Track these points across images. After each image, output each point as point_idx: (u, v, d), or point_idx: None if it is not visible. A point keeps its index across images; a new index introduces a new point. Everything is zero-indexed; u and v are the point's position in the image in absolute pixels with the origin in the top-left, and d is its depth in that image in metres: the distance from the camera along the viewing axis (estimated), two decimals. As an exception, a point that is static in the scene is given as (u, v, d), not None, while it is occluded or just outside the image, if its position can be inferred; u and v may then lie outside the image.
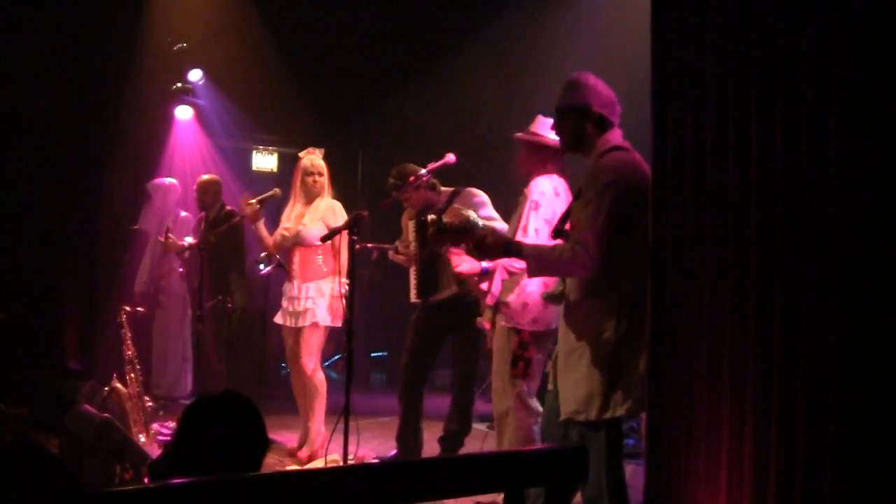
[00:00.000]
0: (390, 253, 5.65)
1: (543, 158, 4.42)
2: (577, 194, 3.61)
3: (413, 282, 5.41)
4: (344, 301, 5.28)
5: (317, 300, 5.49)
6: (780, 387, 2.74)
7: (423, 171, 5.00)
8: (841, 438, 2.58)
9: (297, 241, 5.57)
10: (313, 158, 5.63)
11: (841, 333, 2.60)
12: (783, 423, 2.73)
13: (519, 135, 4.48)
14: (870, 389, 2.56)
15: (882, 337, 2.55)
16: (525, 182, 4.49)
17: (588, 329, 3.49)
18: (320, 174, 5.59)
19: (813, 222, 2.68)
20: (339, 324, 5.47)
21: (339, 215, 5.49)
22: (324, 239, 5.03)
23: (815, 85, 2.69)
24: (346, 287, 5.27)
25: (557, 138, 3.91)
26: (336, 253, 5.50)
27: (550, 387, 3.78)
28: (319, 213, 5.54)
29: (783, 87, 2.78)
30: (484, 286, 4.43)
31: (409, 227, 5.46)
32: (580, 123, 3.59)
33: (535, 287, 4.28)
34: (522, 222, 4.31)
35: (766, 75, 2.84)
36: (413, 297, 5.44)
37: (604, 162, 3.53)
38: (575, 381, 3.50)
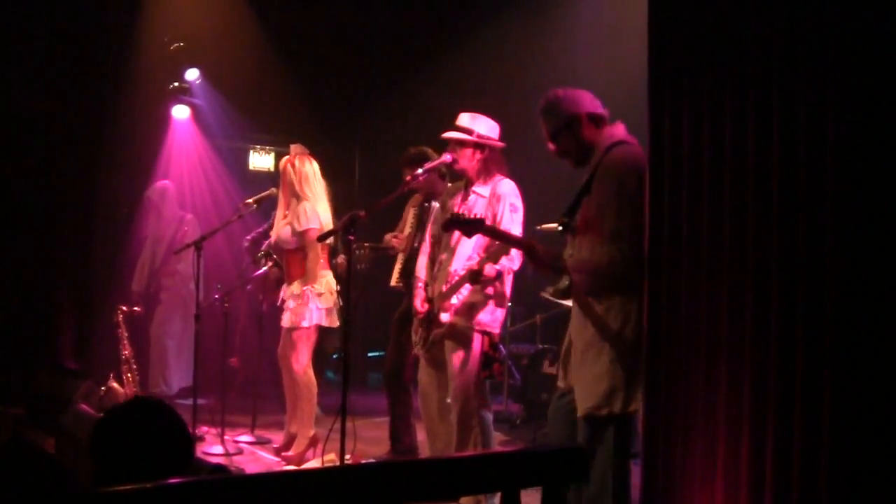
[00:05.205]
0: (387, 236, 5.67)
1: (498, 160, 4.53)
2: (585, 188, 3.59)
3: (398, 267, 5.42)
4: (316, 303, 5.35)
5: (287, 302, 5.49)
6: (777, 386, 2.74)
7: (420, 170, 5.00)
8: (837, 437, 2.58)
9: (277, 244, 5.59)
10: (286, 158, 5.57)
11: (837, 333, 2.60)
12: (779, 422, 2.73)
13: (474, 139, 4.47)
14: (866, 389, 2.56)
15: (879, 337, 2.56)
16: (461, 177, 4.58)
17: (609, 324, 3.46)
18: (294, 175, 5.48)
19: (810, 222, 2.68)
20: (301, 325, 5.40)
21: (304, 219, 5.40)
22: (320, 239, 5.03)
23: (812, 83, 2.69)
24: (313, 290, 5.30)
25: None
26: (329, 254, 5.52)
27: (560, 384, 3.74)
28: (290, 217, 5.49)
29: (780, 86, 2.78)
30: (490, 290, 4.43)
31: (410, 213, 5.52)
32: (576, 133, 3.61)
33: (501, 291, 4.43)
34: (504, 224, 4.33)
35: (762, 74, 2.84)
36: (393, 282, 5.46)
37: (611, 157, 3.51)
38: (595, 376, 3.46)
